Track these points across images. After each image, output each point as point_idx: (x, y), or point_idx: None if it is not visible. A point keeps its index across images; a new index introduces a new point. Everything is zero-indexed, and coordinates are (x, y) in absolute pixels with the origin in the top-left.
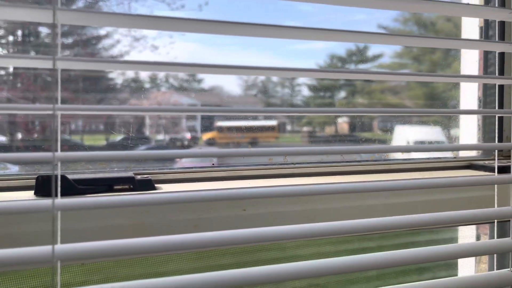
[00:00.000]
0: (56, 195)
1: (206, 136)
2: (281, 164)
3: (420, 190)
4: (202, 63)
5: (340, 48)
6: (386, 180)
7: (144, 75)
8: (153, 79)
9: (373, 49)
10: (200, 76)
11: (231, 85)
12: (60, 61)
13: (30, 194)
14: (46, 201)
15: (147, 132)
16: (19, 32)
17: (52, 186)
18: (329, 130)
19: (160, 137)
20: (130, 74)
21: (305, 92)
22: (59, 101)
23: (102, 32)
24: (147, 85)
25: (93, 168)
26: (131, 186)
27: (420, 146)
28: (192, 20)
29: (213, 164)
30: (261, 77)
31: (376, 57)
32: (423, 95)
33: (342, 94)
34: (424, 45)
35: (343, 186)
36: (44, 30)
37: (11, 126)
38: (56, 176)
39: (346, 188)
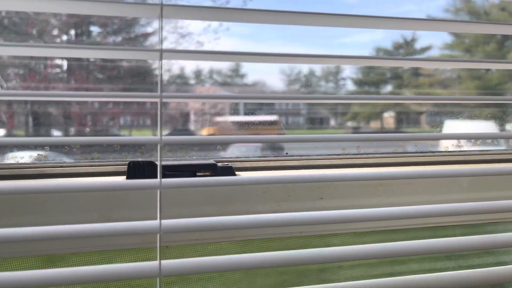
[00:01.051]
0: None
1: (205, 132)
2: (354, 154)
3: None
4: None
5: (386, 41)
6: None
7: (188, 70)
8: (197, 75)
9: (421, 41)
10: (243, 71)
11: (274, 79)
12: (166, 53)
13: (122, 179)
14: (154, 180)
15: (192, 127)
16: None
17: (159, 166)
18: (374, 125)
19: (205, 132)
20: (176, 70)
21: (350, 86)
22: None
23: (150, 29)
24: (191, 81)
25: (174, 156)
26: (213, 173)
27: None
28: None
29: (286, 153)
30: (304, 71)
31: (424, 49)
32: (475, 88)
33: (389, 88)
34: (476, 31)
35: (431, 172)
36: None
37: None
38: (157, 160)
39: (433, 173)
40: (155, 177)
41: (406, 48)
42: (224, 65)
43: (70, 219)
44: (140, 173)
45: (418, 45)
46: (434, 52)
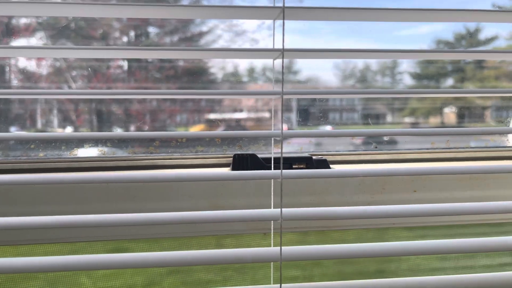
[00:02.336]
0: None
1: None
2: (444, 148)
3: None
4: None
5: (447, 32)
6: None
7: (242, 68)
8: (250, 73)
9: (486, 31)
10: (296, 67)
11: (328, 75)
12: (287, 52)
13: (226, 170)
14: (275, 171)
15: (241, 123)
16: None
17: (281, 159)
18: (434, 120)
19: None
20: (230, 68)
21: (407, 80)
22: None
23: (205, 28)
24: (245, 79)
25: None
26: (307, 166)
27: None
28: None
29: (376, 147)
30: (359, 66)
31: (489, 40)
32: None
33: (449, 81)
34: None
35: None
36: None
37: None
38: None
39: None
40: (257, 169)
41: (469, 39)
42: (276, 62)
43: (185, 206)
44: (243, 165)
45: (482, 36)
46: (500, 43)
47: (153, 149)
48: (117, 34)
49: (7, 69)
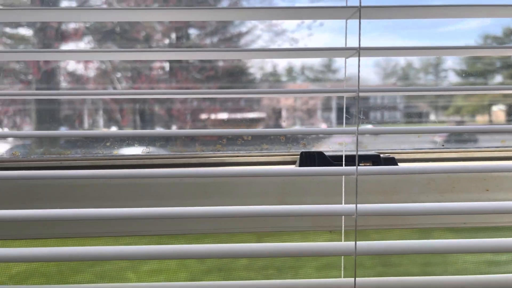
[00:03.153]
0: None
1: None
2: None
3: None
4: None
5: (496, 27)
6: None
7: (280, 68)
8: (289, 72)
9: None
10: (335, 66)
11: (369, 73)
12: (363, 51)
13: (292, 167)
14: (351, 168)
15: (283, 123)
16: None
17: (356, 155)
18: (481, 119)
19: (296, 128)
20: (269, 68)
21: (452, 78)
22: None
23: (244, 29)
24: (283, 78)
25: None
26: (374, 163)
27: None
28: None
29: (443, 145)
30: (401, 64)
31: None
32: None
33: (498, 78)
34: None
35: None
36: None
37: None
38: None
39: None
40: (325, 166)
41: None
42: (316, 61)
43: (253, 203)
44: (310, 163)
45: None
46: None
47: (220, 147)
48: (159, 36)
49: (58, 72)
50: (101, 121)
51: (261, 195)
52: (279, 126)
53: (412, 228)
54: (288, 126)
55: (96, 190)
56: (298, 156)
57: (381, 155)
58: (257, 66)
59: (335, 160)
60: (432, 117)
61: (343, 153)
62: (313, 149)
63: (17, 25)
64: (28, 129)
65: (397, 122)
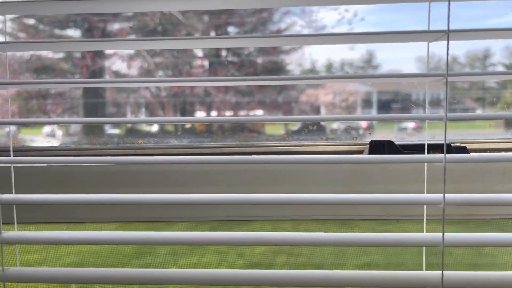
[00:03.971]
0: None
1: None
2: None
3: None
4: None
5: None
6: None
7: (320, 64)
8: (328, 68)
9: None
10: (376, 62)
11: (409, 68)
12: (453, 33)
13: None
14: (438, 155)
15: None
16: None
17: (444, 143)
18: None
19: (334, 126)
20: (307, 64)
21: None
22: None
23: (283, 25)
24: (323, 74)
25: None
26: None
27: None
28: None
29: None
30: (445, 59)
31: None
32: None
33: None
34: None
35: None
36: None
37: None
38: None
39: None
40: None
41: None
42: (356, 56)
43: (323, 191)
44: (380, 152)
45: None
46: None
47: (285, 136)
48: (199, 34)
49: (104, 70)
50: (143, 117)
51: (329, 183)
52: (318, 124)
53: (485, 219)
54: (326, 123)
55: (170, 176)
56: (365, 146)
57: (453, 145)
58: (295, 63)
59: (405, 149)
60: (478, 112)
61: (426, 142)
62: (376, 139)
63: (65, 26)
64: (76, 124)
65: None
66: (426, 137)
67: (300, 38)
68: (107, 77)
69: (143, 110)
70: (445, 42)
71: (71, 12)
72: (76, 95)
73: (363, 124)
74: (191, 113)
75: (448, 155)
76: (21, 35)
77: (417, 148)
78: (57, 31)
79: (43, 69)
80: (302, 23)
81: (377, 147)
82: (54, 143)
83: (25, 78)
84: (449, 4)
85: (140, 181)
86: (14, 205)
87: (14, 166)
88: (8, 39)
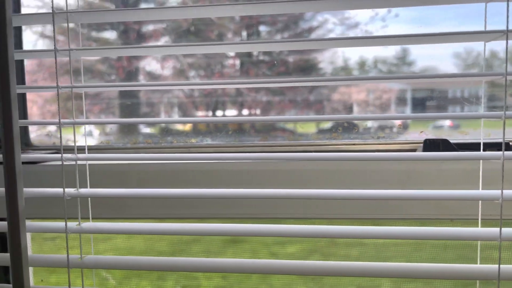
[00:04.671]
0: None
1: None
2: None
3: None
4: None
5: None
6: None
7: (352, 61)
8: (361, 65)
9: None
10: (410, 58)
11: (447, 65)
12: None
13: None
14: (496, 153)
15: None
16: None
17: (503, 141)
18: None
19: (368, 124)
20: (340, 62)
21: None
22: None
23: (315, 23)
24: (355, 72)
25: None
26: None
27: None
28: None
29: None
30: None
31: None
32: None
33: None
34: None
35: None
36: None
37: None
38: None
39: None
40: None
41: None
42: (389, 53)
43: (378, 189)
44: (435, 150)
45: None
46: None
47: (335, 135)
48: (230, 34)
49: (139, 71)
50: (176, 117)
51: (383, 182)
52: (351, 122)
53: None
54: (359, 122)
55: (223, 175)
56: (417, 145)
57: (511, 143)
58: (327, 61)
59: (462, 148)
60: None
61: (481, 140)
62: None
63: (102, 29)
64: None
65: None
66: (481, 136)
67: (344, 41)
68: (141, 78)
69: (176, 110)
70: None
71: (138, 20)
72: (112, 95)
73: (397, 122)
74: (223, 114)
75: (506, 152)
76: (61, 38)
77: (473, 147)
78: (94, 34)
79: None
80: (335, 20)
81: (432, 145)
82: (93, 141)
83: (65, 80)
84: (507, 4)
85: (196, 179)
86: (89, 198)
87: (70, 165)
88: (47, 43)
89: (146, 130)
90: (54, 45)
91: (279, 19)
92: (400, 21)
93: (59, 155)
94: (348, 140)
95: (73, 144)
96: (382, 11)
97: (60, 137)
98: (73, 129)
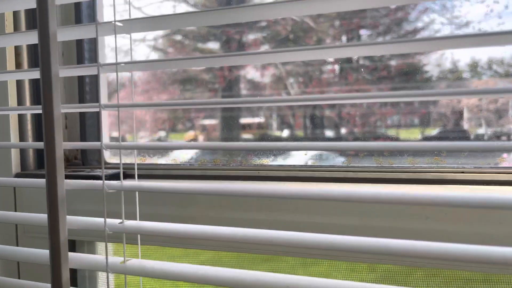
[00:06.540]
0: None
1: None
2: None
3: None
4: None
5: None
6: None
7: (462, 63)
8: (472, 67)
9: None
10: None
11: None
12: None
13: None
14: None
15: (465, 125)
16: None
17: None
18: None
19: (481, 131)
20: (447, 64)
21: None
22: None
23: (420, 24)
24: (466, 75)
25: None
26: None
27: None
28: None
29: None
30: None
31: None
32: None
33: None
34: None
35: None
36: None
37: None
38: None
39: None
40: None
41: None
42: (507, 53)
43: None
44: None
45: None
46: None
47: (439, 159)
48: (329, 40)
49: (239, 80)
50: (274, 125)
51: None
52: (461, 129)
53: None
54: (471, 127)
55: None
56: None
57: None
58: (433, 63)
59: None
60: None
61: None
62: None
63: (206, 40)
64: (215, 135)
65: None
66: None
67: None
68: (241, 86)
69: (274, 116)
70: None
71: (191, 26)
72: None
73: None
74: (321, 119)
75: None
76: (170, 50)
77: None
78: (199, 45)
79: (187, 80)
80: (443, 20)
81: None
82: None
83: (173, 90)
84: None
85: (261, 205)
86: (137, 192)
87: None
88: (159, 55)
89: None
90: (97, 59)
91: (381, 21)
92: None
93: (101, 182)
94: (454, 166)
95: (138, 162)
96: (498, 7)
97: (120, 160)
98: (119, 152)
